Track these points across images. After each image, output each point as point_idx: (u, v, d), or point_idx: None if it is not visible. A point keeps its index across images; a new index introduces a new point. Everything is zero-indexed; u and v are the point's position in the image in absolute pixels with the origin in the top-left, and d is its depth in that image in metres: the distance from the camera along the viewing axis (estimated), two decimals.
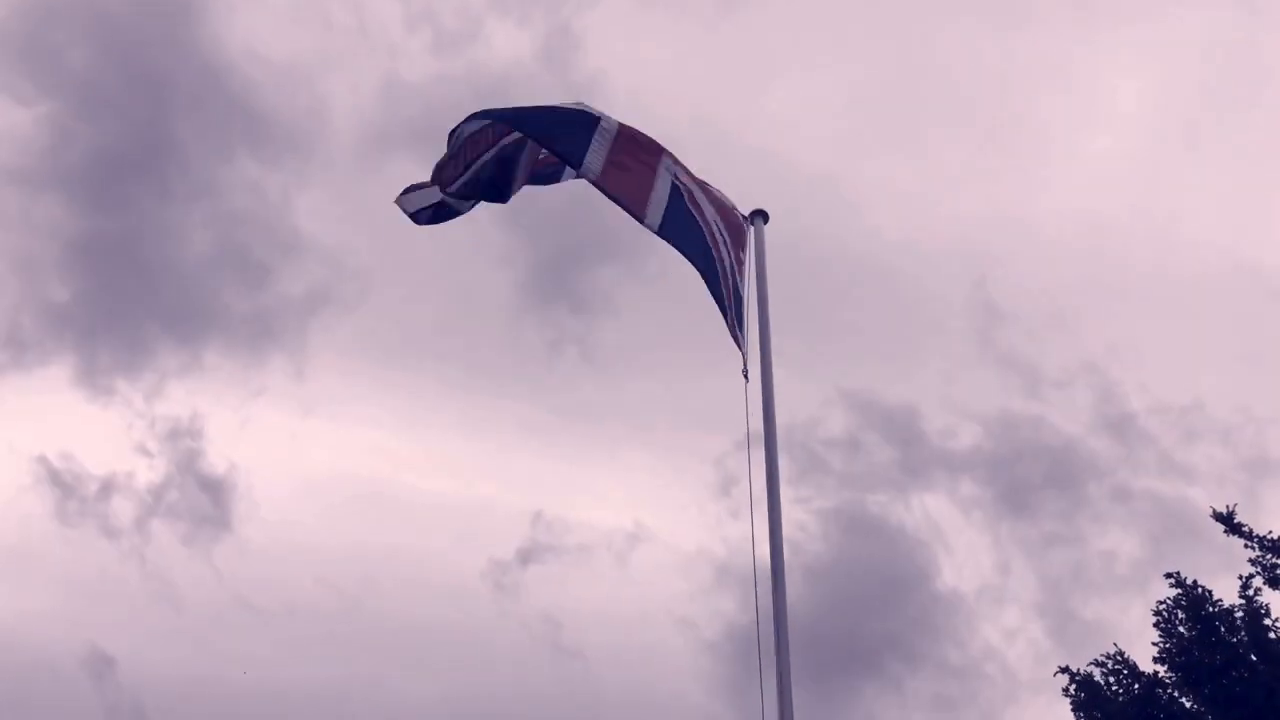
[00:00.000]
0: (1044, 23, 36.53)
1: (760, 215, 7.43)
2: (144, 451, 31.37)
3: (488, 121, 6.93)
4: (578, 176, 6.67)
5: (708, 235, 6.84)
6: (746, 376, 6.63)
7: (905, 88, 36.05)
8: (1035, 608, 27.66)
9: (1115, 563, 27.18)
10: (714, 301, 6.69)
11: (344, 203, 34.87)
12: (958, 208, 35.43)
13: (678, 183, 6.91)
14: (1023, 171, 36.25)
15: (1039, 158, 36.12)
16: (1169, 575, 13.08)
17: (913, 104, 36.03)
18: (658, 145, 6.99)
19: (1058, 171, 35.64)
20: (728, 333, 6.73)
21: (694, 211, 6.88)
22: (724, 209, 7.23)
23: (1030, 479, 29.38)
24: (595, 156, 6.55)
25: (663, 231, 6.59)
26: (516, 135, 6.96)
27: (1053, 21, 36.32)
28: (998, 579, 28.52)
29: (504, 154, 7.05)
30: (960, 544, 29.26)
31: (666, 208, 6.70)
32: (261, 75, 35.53)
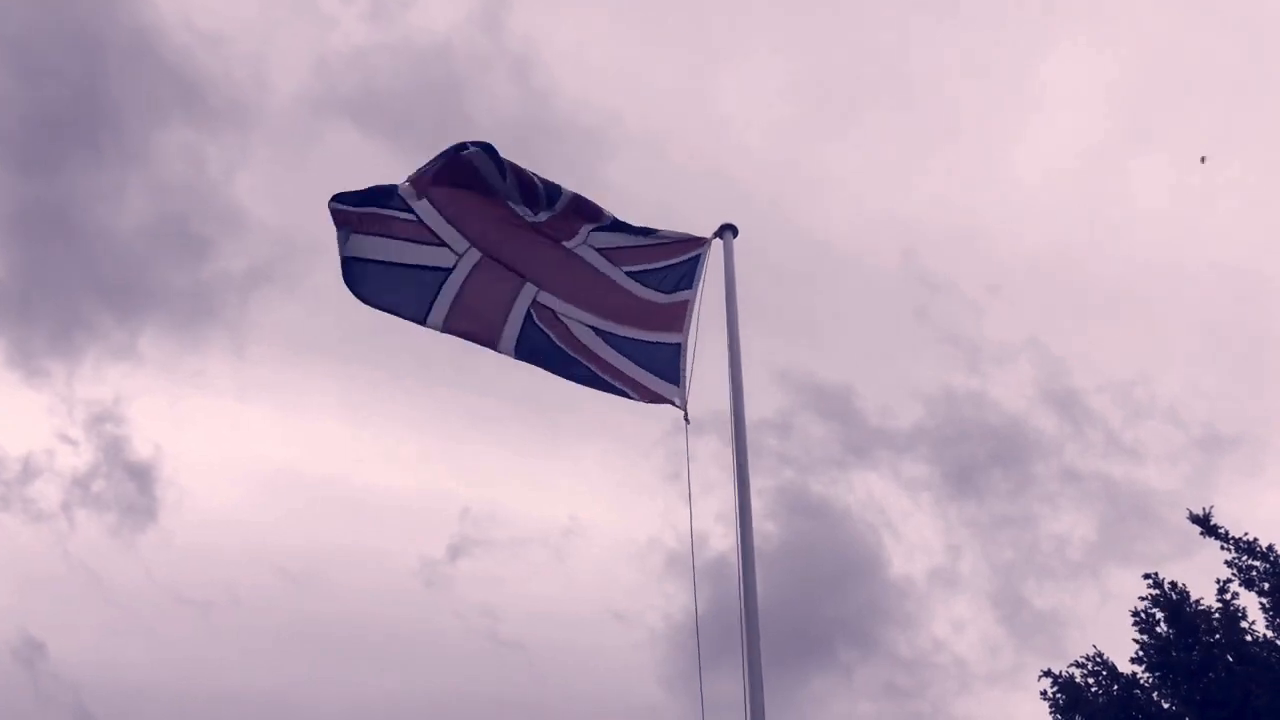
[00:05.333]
0: (986, 14, 36.60)
1: (730, 229, 7.49)
2: (68, 439, 30.89)
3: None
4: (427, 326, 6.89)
5: (571, 349, 7.03)
6: (688, 420, 6.69)
7: (844, 77, 36.16)
8: (986, 594, 27.45)
9: (1067, 547, 27.09)
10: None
11: (281, 174, 34.20)
12: (894, 189, 35.50)
13: (533, 308, 7.07)
14: (966, 156, 36.48)
15: (983, 143, 36.38)
16: (1147, 576, 13.21)
17: (851, 91, 36.07)
18: (516, 275, 7.10)
19: (1002, 157, 35.86)
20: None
21: (550, 333, 7.06)
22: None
23: (975, 458, 29.11)
24: (439, 310, 6.84)
25: (519, 353, 6.95)
26: None
27: (993, 13, 36.43)
28: (946, 562, 28.27)
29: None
30: (907, 526, 28.98)
31: (521, 330, 6.97)
32: (194, 41, 34.76)
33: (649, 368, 6.99)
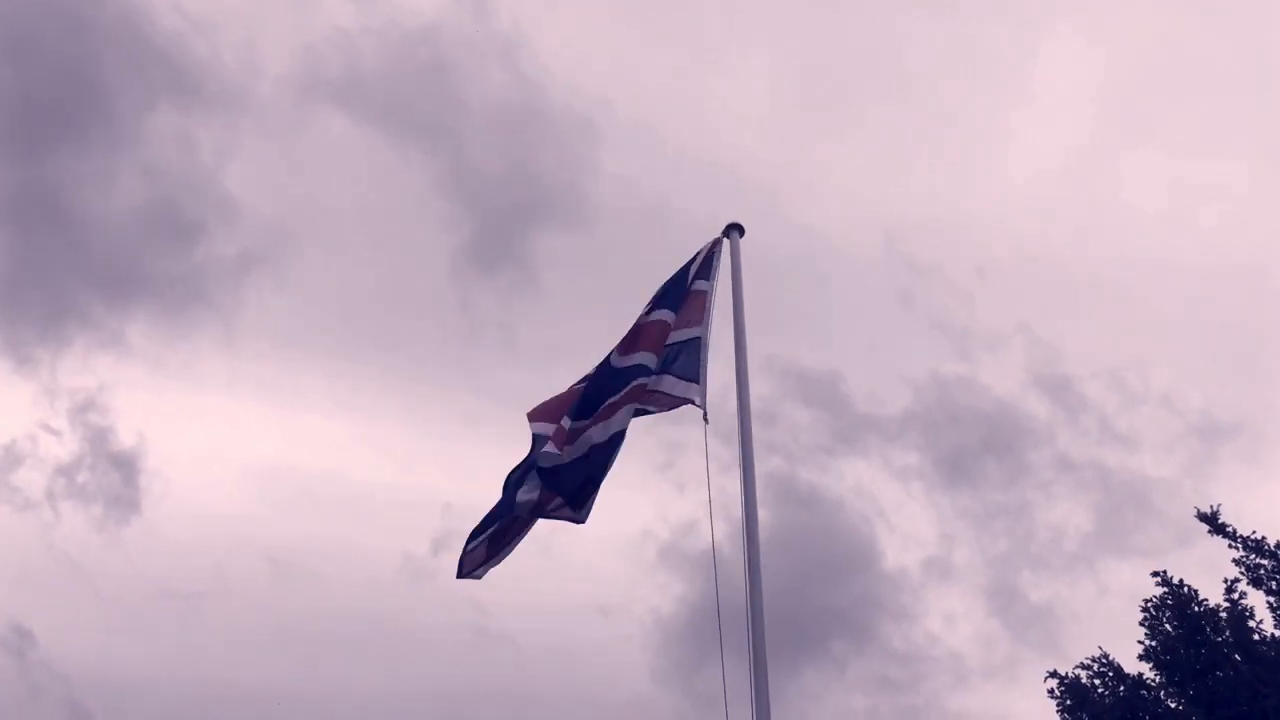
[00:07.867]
0: (981, 10, 36.47)
1: (736, 229, 7.57)
2: (50, 429, 30.82)
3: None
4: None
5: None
6: (706, 420, 6.71)
7: (837, 70, 36.26)
8: (980, 587, 27.15)
9: (1063, 538, 26.80)
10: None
11: (271, 159, 33.92)
12: (884, 181, 35.45)
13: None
14: (959, 149, 36.34)
15: (976, 137, 36.18)
16: (1155, 574, 13.20)
17: (843, 83, 36.07)
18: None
19: (995, 149, 35.78)
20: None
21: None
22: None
23: (967, 445, 28.68)
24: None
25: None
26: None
27: (988, 9, 36.27)
28: (940, 552, 27.92)
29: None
30: (899, 516, 28.61)
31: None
32: (184, 25, 34.67)
33: (668, 371, 7.04)
